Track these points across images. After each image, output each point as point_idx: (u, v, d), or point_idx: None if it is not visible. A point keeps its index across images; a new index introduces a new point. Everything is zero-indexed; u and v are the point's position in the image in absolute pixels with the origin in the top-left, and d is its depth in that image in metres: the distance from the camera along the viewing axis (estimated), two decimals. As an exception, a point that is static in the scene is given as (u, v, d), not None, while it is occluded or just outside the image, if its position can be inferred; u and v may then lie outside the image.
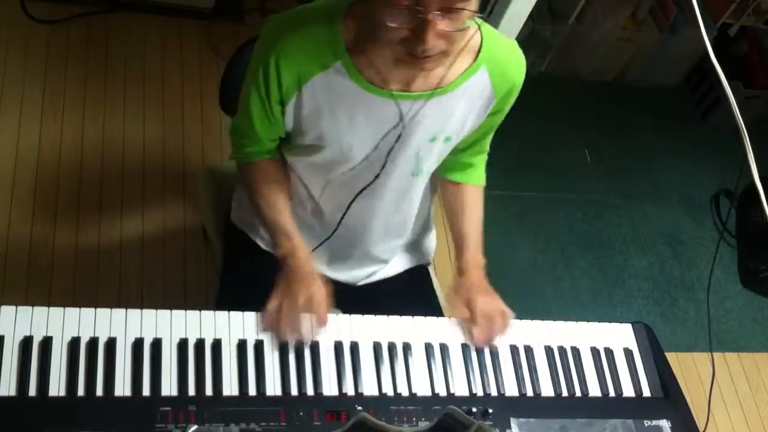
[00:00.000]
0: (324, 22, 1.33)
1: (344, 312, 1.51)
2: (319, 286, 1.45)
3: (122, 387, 1.28)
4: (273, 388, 1.35)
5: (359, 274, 1.73)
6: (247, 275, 1.68)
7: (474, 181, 1.65)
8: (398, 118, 1.39)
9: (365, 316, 1.49)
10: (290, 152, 1.54)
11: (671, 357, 1.67)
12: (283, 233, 1.51)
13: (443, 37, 1.19)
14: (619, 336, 1.61)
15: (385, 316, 1.49)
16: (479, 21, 1.33)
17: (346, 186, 1.52)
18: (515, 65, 1.45)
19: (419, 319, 1.51)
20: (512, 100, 1.50)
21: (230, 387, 1.33)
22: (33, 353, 1.27)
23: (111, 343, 1.31)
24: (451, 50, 1.24)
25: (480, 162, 1.66)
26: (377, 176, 1.48)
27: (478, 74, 1.40)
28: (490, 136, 1.61)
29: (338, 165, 1.47)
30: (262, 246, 1.69)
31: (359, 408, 1.32)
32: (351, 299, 1.68)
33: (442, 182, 1.67)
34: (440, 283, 1.90)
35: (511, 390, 1.47)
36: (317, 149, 1.45)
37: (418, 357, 1.46)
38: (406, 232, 1.70)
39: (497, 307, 1.53)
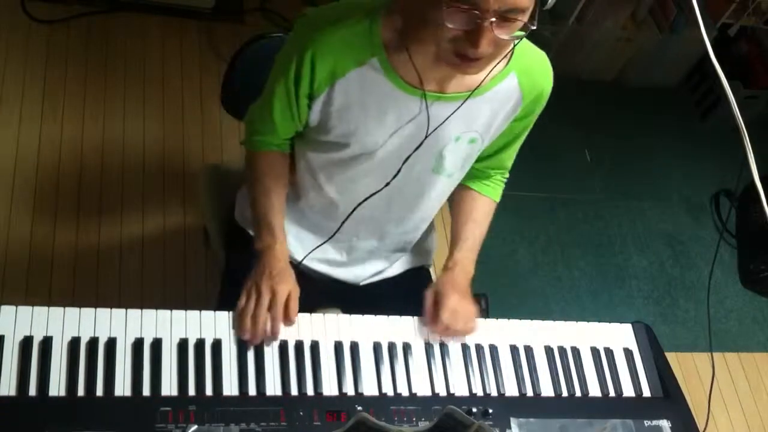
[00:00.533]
0: (363, 17, 1.33)
1: (344, 312, 1.51)
2: (288, 285, 1.45)
3: (122, 387, 1.28)
4: (273, 388, 1.35)
5: (363, 274, 1.73)
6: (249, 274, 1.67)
7: (487, 194, 1.65)
8: (427, 118, 1.39)
9: (365, 316, 1.49)
10: (309, 147, 1.53)
11: (671, 357, 1.67)
12: (267, 226, 1.50)
13: (494, 44, 1.20)
14: (619, 336, 1.61)
15: (385, 316, 1.50)
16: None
17: (363, 181, 1.51)
18: (543, 74, 1.47)
19: (419, 319, 1.51)
20: (539, 109, 1.51)
21: (230, 387, 1.33)
22: (33, 353, 1.27)
23: (111, 343, 1.31)
24: (496, 56, 1.25)
25: (498, 177, 1.65)
26: (397, 173, 1.48)
27: (508, 79, 1.41)
28: (513, 151, 1.61)
29: (360, 162, 1.47)
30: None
31: (359, 408, 1.32)
32: (351, 299, 1.68)
33: (456, 189, 1.66)
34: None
35: (511, 390, 1.47)
36: (341, 146, 1.45)
37: (418, 357, 1.46)
38: (420, 229, 1.70)
39: (466, 311, 1.51)
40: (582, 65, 3.39)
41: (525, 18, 1.19)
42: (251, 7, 3.11)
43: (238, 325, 1.40)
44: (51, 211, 2.44)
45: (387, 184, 1.49)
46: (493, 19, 1.16)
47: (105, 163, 2.58)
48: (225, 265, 1.76)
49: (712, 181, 3.33)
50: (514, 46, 1.30)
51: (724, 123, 3.39)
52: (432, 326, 1.49)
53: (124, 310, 1.36)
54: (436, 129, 1.41)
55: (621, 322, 1.63)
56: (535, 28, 1.21)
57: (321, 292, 1.68)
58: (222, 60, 2.85)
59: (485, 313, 1.91)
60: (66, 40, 2.81)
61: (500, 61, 1.30)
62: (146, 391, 1.29)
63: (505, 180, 1.68)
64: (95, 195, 2.50)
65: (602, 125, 3.36)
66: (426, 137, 1.41)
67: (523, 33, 1.22)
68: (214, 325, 1.39)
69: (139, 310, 1.36)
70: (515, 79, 1.42)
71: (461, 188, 1.65)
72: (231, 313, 1.42)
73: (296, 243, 1.66)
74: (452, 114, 1.39)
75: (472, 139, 1.47)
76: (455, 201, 1.67)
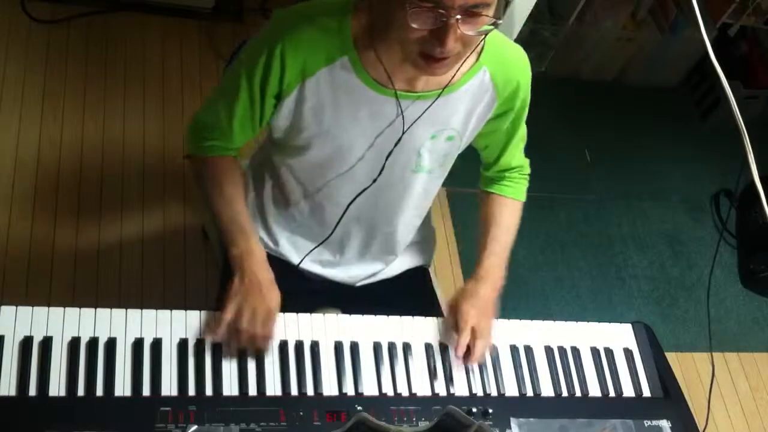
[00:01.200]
0: (335, 14, 1.32)
1: (344, 312, 1.51)
2: (275, 295, 1.42)
3: (122, 387, 1.28)
4: (273, 388, 1.35)
5: (358, 274, 1.73)
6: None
7: (509, 194, 1.63)
8: (400, 117, 1.39)
9: (365, 316, 1.49)
10: (283, 153, 1.52)
11: (671, 357, 1.67)
12: (240, 231, 1.45)
13: (461, 41, 1.20)
14: (619, 336, 1.61)
15: (385, 316, 1.50)
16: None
17: (345, 183, 1.51)
18: (517, 67, 1.45)
19: (419, 319, 1.51)
20: (521, 103, 1.49)
21: (230, 387, 1.33)
22: (33, 353, 1.27)
23: (111, 343, 1.31)
24: (464, 54, 1.25)
25: (515, 176, 1.63)
26: (380, 173, 1.47)
27: (480, 74, 1.40)
28: (514, 150, 1.59)
29: (336, 163, 1.47)
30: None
31: (359, 408, 1.32)
32: (351, 299, 1.68)
33: (479, 195, 1.66)
34: (440, 284, 1.90)
35: (511, 390, 1.47)
36: (314, 147, 1.44)
37: (418, 357, 1.46)
38: (411, 229, 1.70)
39: (485, 330, 1.48)
40: (582, 65, 3.39)
41: (490, 12, 1.18)
42: (251, 7, 3.11)
43: (239, 343, 1.37)
44: (51, 211, 2.44)
45: (374, 181, 1.49)
46: (459, 16, 1.15)
47: (105, 163, 2.58)
48: (223, 265, 1.76)
49: (712, 181, 3.33)
50: (482, 41, 1.30)
51: (724, 123, 3.38)
52: (458, 350, 1.46)
53: (124, 310, 1.36)
54: (411, 126, 1.40)
55: (621, 322, 1.63)
56: (501, 21, 1.20)
57: (319, 294, 1.68)
58: (222, 60, 2.85)
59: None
60: (66, 40, 2.81)
61: (469, 56, 1.30)
62: (146, 391, 1.29)
63: (525, 177, 1.66)
64: (95, 195, 2.50)
65: (602, 125, 3.36)
66: (403, 133, 1.41)
67: (491, 28, 1.21)
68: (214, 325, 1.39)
69: (139, 310, 1.36)
70: (487, 74, 1.40)
71: (484, 195, 1.65)
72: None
73: (290, 247, 1.66)
74: (424, 112, 1.38)
75: (450, 136, 1.46)
76: (480, 209, 1.65)
